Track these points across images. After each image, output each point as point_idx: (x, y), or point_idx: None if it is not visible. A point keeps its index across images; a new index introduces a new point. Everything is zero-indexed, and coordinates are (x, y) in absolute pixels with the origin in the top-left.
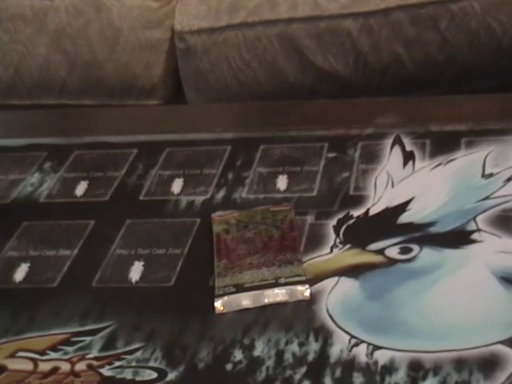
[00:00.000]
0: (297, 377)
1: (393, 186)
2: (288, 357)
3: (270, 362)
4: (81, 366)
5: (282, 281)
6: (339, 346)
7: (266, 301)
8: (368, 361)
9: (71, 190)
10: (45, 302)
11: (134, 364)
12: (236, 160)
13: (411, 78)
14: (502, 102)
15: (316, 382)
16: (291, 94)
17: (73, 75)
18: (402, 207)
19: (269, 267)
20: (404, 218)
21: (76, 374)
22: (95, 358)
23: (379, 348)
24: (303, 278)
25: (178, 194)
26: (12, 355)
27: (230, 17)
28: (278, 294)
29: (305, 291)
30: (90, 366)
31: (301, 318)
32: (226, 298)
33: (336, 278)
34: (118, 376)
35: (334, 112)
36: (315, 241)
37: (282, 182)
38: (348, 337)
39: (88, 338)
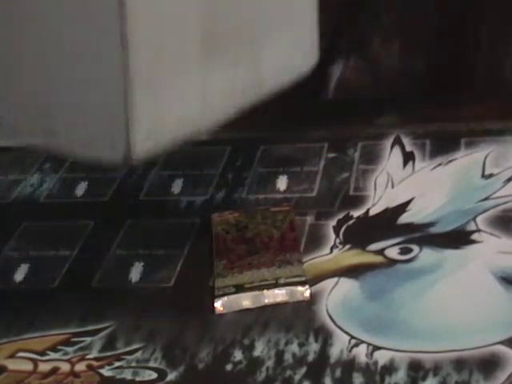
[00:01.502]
0: (297, 377)
1: (393, 186)
2: (288, 357)
3: (269, 363)
4: (81, 367)
5: (282, 281)
6: (339, 347)
7: (266, 301)
8: (368, 361)
9: (71, 190)
10: (45, 302)
11: (133, 364)
12: (236, 160)
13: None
14: (502, 103)
15: (316, 383)
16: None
17: None
18: (402, 207)
19: (269, 267)
20: (404, 219)
21: (76, 375)
22: (95, 359)
23: (379, 348)
24: (303, 279)
25: (178, 195)
26: (12, 355)
27: None
28: (277, 295)
29: (305, 292)
30: (89, 367)
31: (301, 318)
32: (225, 298)
33: (336, 279)
34: (118, 376)
35: (333, 112)
36: (315, 241)
37: (281, 182)
38: (348, 337)
39: (88, 339)
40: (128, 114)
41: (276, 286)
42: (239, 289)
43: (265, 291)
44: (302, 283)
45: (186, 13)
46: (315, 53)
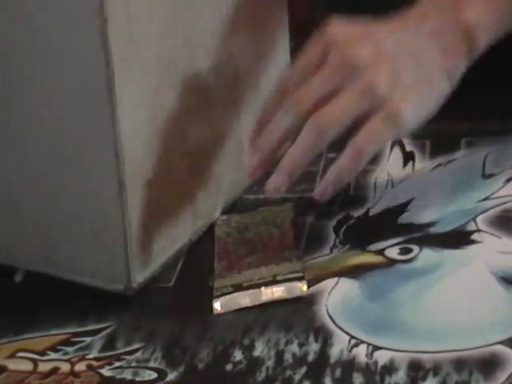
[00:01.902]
0: (297, 377)
1: (393, 186)
2: (288, 357)
3: (269, 363)
4: (81, 367)
5: (280, 278)
6: (339, 347)
7: (264, 298)
8: (368, 361)
9: None
10: (45, 302)
11: (133, 364)
12: None
13: None
14: (502, 102)
15: (316, 383)
16: None
17: None
18: (402, 207)
19: (267, 266)
20: (404, 219)
21: (76, 375)
22: (95, 359)
23: (379, 348)
24: (300, 275)
25: None
26: (12, 355)
27: None
28: (275, 292)
29: (302, 286)
30: (89, 367)
31: (301, 318)
32: (223, 298)
33: (336, 279)
34: (118, 376)
35: None
36: (315, 241)
37: None
38: (348, 337)
39: (88, 339)
40: (127, 250)
41: (273, 282)
42: (237, 288)
43: (262, 288)
44: (300, 278)
45: (173, 151)
46: None
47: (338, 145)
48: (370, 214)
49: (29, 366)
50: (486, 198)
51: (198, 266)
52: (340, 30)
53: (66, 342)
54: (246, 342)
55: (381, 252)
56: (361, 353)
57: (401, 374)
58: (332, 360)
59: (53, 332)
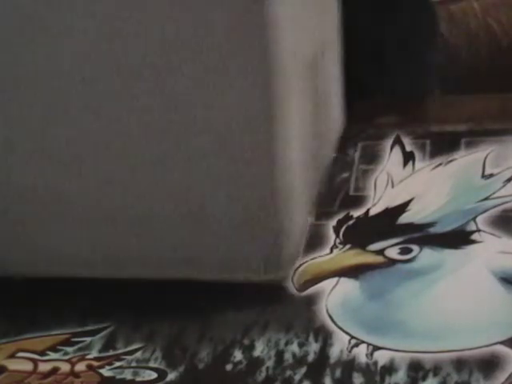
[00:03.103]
0: (297, 377)
1: (393, 186)
2: (288, 357)
3: (269, 363)
4: (81, 367)
5: None
6: (339, 347)
7: None
8: (368, 361)
9: None
10: (45, 302)
11: (133, 364)
12: None
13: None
14: (502, 102)
15: (316, 383)
16: None
17: None
18: (402, 207)
19: None
20: (404, 219)
21: (76, 375)
22: (95, 359)
23: (379, 348)
24: None
25: None
26: (12, 355)
27: None
28: None
29: None
30: (89, 367)
31: (301, 318)
32: None
33: (336, 279)
34: (118, 376)
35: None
36: (315, 241)
37: None
38: (348, 337)
39: (88, 339)
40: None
41: None
42: None
43: None
44: None
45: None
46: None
47: (339, 144)
48: (370, 214)
49: (29, 366)
50: (486, 198)
51: None
52: None
53: (66, 342)
54: (246, 341)
55: (381, 252)
56: (361, 353)
57: (401, 374)
58: (332, 360)
59: (53, 332)
